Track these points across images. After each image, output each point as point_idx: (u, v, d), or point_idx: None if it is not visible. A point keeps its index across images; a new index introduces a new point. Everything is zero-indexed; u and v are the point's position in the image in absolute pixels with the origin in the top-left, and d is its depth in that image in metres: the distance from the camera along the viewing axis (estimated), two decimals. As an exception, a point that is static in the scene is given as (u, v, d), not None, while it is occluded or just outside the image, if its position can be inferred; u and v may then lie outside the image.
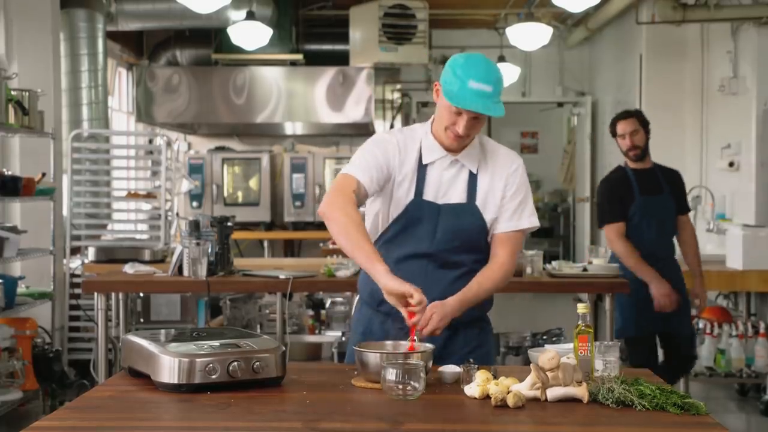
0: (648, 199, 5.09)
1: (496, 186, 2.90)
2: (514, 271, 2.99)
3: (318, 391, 2.49)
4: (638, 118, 5.16)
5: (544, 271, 5.14)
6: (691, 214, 8.27)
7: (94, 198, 6.95)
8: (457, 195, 2.88)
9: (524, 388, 2.33)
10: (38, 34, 6.53)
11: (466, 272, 2.90)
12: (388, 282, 2.64)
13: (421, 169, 2.88)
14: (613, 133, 5.21)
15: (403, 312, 2.67)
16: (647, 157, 5.22)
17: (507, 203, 2.91)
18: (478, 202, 2.88)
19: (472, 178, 2.89)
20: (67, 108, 7.20)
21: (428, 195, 2.87)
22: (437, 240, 2.87)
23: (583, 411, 2.26)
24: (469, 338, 2.97)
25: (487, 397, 2.34)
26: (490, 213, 2.89)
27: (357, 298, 3.09)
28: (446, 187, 2.88)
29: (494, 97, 2.75)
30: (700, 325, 6.03)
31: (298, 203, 9.84)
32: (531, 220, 2.95)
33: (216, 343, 2.53)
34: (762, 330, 5.85)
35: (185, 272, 4.99)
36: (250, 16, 8.02)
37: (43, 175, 5.82)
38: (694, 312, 5.49)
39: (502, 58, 10.40)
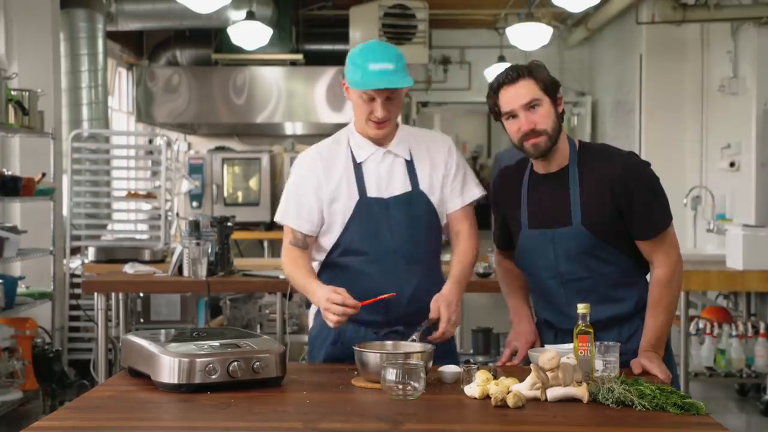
0: None
1: (434, 170, 2.93)
2: (477, 241, 3.04)
3: (318, 391, 2.49)
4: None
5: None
6: (691, 214, 8.36)
7: (94, 198, 6.95)
8: (400, 185, 2.90)
9: (524, 388, 2.33)
10: (38, 34, 6.53)
11: (430, 261, 2.94)
12: (320, 291, 2.74)
13: (357, 168, 2.89)
14: None
15: (351, 308, 2.68)
16: None
17: (452, 183, 2.95)
18: (423, 187, 2.90)
19: (410, 166, 2.91)
20: (67, 108, 7.20)
21: (372, 191, 2.88)
22: (395, 233, 2.87)
23: (583, 411, 2.26)
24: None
25: (487, 397, 2.34)
26: (436, 195, 2.92)
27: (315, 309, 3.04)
28: (387, 179, 2.89)
29: (398, 72, 2.79)
30: (700, 325, 6.03)
31: (298, 203, 9.83)
32: (477, 190, 3.00)
33: (216, 343, 2.53)
34: (762, 330, 5.84)
35: (185, 272, 4.98)
36: (250, 16, 8.02)
37: (43, 175, 5.82)
38: None
39: (502, 58, 10.40)
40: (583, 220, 2.73)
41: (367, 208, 2.86)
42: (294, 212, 2.93)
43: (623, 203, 2.71)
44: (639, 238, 2.75)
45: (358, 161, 2.90)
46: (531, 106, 2.70)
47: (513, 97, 2.72)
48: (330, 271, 2.94)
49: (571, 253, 2.76)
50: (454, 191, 2.96)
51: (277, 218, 2.99)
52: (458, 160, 2.99)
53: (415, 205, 2.89)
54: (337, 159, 2.92)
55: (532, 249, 2.83)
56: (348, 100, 2.89)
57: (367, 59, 2.78)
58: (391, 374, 2.37)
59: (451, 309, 2.79)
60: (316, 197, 2.89)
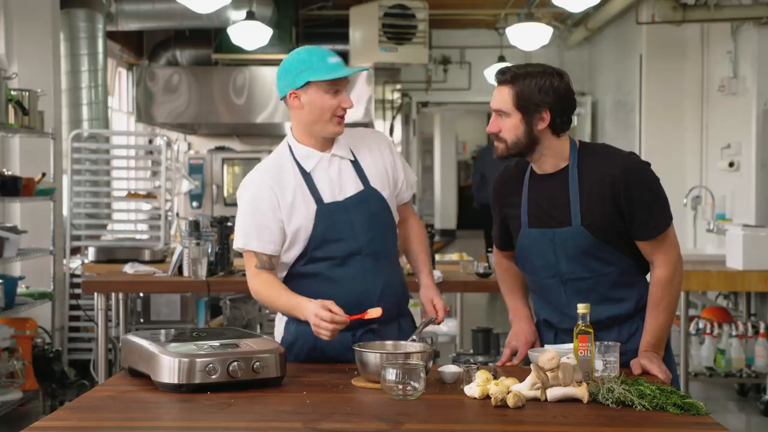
0: None
1: (380, 165, 2.96)
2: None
3: (318, 391, 2.49)
4: None
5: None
6: (691, 214, 8.37)
7: (94, 198, 6.95)
8: (352, 186, 2.90)
9: (524, 388, 2.33)
10: (38, 34, 6.53)
11: (392, 255, 2.99)
12: (309, 307, 2.73)
13: (307, 178, 2.88)
14: None
15: (341, 319, 2.68)
16: None
17: (399, 176, 3.00)
18: (375, 185, 2.92)
19: (356, 165, 2.93)
20: (67, 108, 7.20)
21: (327, 197, 2.87)
22: (357, 234, 2.87)
23: (583, 411, 2.26)
24: (387, 334, 2.92)
25: (487, 397, 2.34)
26: (387, 191, 2.95)
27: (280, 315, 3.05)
28: (338, 183, 2.90)
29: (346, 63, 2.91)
30: (700, 325, 6.03)
31: (298, 203, 9.84)
32: (413, 176, 3.10)
33: (216, 343, 2.53)
34: (762, 330, 5.84)
35: (185, 272, 4.98)
36: (250, 16, 8.02)
37: (43, 175, 5.82)
38: None
39: (502, 58, 10.41)
40: (583, 221, 2.73)
41: (327, 214, 2.86)
42: (255, 235, 2.87)
43: (623, 204, 2.71)
44: (639, 238, 2.75)
45: (307, 170, 2.89)
46: (499, 113, 2.74)
47: (494, 96, 2.76)
48: (296, 281, 2.91)
49: (571, 253, 2.76)
50: (401, 185, 3.02)
51: (237, 245, 2.93)
52: (395, 153, 3.06)
53: (370, 202, 2.91)
54: (285, 173, 2.90)
55: (532, 249, 2.83)
56: (295, 109, 2.86)
57: (321, 57, 2.85)
58: (391, 374, 2.37)
59: (441, 298, 2.96)
60: (275, 216, 2.86)
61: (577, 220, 2.73)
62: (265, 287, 2.89)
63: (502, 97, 2.72)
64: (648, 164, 2.79)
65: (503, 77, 2.72)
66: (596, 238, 2.73)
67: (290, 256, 2.91)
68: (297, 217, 2.86)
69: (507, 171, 2.95)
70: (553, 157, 2.77)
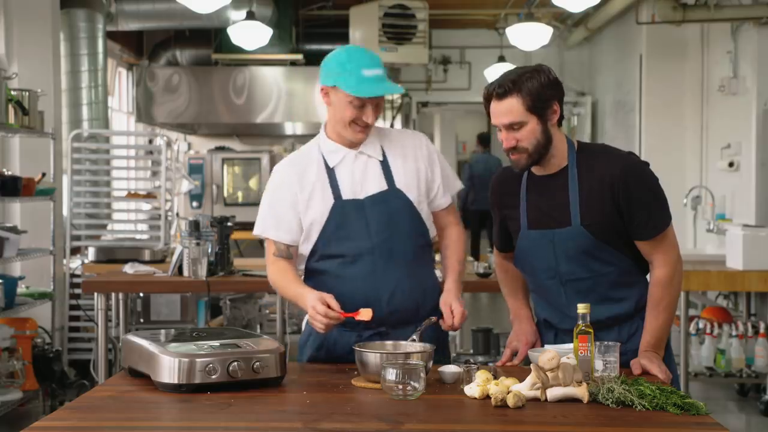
0: None
1: (411, 167, 2.92)
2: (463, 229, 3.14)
3: (318, 391, 2.49)
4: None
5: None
6: (691, 214, 8.36)
7: (94, 198, 6.95)
8: (375, 185, 2.89)
9: (524, 388, 2.33)
10: (38, 34, 6.53)
11: (413, 259, 2.91)
12: (308, 297, 2.74)
13: (330, 173, 2.89)
14: None
15: (335, 314, 2.69)
16: None
17: (435, 181, 2.96)
18: (400, 186, 2.89)
19: (384, 165, 2.90)
20: (67, 108, 7.20)
21: (347, 194, 2.87)
22: (373, 233, 2.86)
23: (583, 411, 2.26)
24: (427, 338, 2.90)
25: (487, 397, 2.34)
26: (413, 193, 2.91)
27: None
28: (361, 181, 2.88)
29: (386, 78, 2.83)
30: (700, 325, 6.03)
31: (298, 203, 9.84)
32: (457, 183, 3.06)
33: (216, 343, 2.53)
34: (762, 330, 5.84)
35: (185, 272, 4.98)
36: (250, 16, 8.02)
37: (43, 175, 5.82)
38: None
39: (502, 58, 10.41)
40: (583, 221, 2.72)
41: (341, 210, 2.86)
42: (272, 224, 2.92)
43: (622, 204, 2.70)
44: (638, 238, 2.75)
45: (331, 166, 2.90)
46: (512, 126, 2.68)
47: (498, 113, 2.69)
48: (311, 278, 2.94)
49: (571, 253, 2.75)
50: (438, 190, 2.98)
51: (256, 232, 2.98)
52: (438, 157, 3.00)
53: (391, 203, 2.88)
54: (309, 167, 2.91)
55: (531, 250, 2.82)
56: (325, 103, 2.87)
57: (360, 65, 2.79)
58: (391, 374, 2.37)
59: (460, 303, 2.86)
60: (293, 207, 2.89)
61: (577, 220, 2.73)
62: (279, 275, 2.91)
63: (512, 109, 2.66)
64: (647, 164, 2.79)
65: (503, 89, 2.67)
66: (596, 238, 2.73)
67: (305, 249, 2.92)
68: (312, 211, 2.87)
69: (506, 172, 2.93)
70: (556, 156, 2.76)
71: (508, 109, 2.67)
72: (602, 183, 2.71)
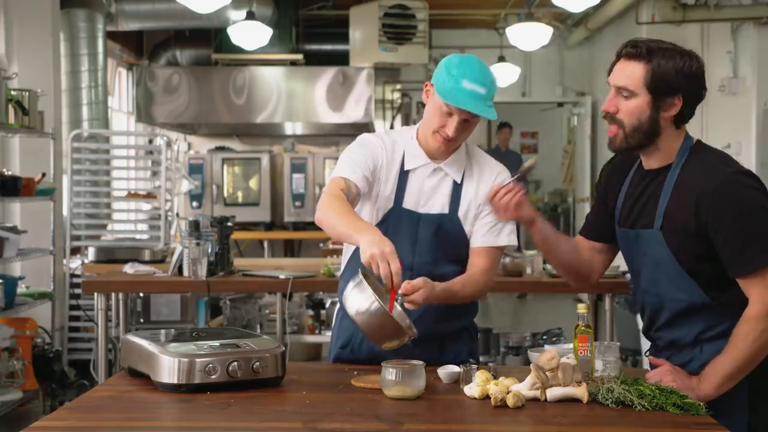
0: None
1: (478, 196, 2.80)
2: (492, 285, 2.89)
3: (318, 391, 2.49)
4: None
5: (544, 271, 5.14)
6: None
7: (94, 198, 6.96)
8: (438, 205, 2.79)
9: (524, 388, 2.33)
10: (38, 34, 6.53)
11: None
12: (368, 233, 2.43)
13: (403, 175, 2.79)
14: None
15: (379, 272, 2.38)
16: None
17: (487, 216, 2.80)
18: (461, 213, 2.79)
19: (456, 188, 2.80)
20: (67, 108, 7.20)
21: (408, 203, 2.78)
22: (417, 251, 2.77)
23: (582, 411, 2.26)
24: (459, 350, 2.89)
25: (487, 397, 2.34)
26: (470, 223, 2.80)
27: (338, 306, 2.92)
28: (427, 195, 2.79)
29: (487, 99, 2.68)
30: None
31: (298, 203, 9.85)
32: (510, 238, 2.83)
33: (216, 343, 2.53)
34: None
35: (185, 272, 4.99)
36: (250, 16, 8.02)
37: (43, 175, 5.82)
38: None
39: (502, 58, 10.41)
40: (663, 226, 2.44)
41: (396, 219, 2.77)
42: (348, 167, 2.72)
43: (711, 227, 2.37)
44: (730, 272, 2.40)
45: (406, 169, 2.79)
46: (621, 92, 2.44)
47: (617, 72, 2.45)
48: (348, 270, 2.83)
49: (647, 260, 2.51)
50: (484, 226, 2.80)
51: (332, 174, 2.75)
52: None
53: (445, 228, 2.77)
54: (395, 156, 2.80)
55: (623, 249, 2.62)
56: (424, 102, 2.78)
57: (464, 75, 2.66)
58: (390, 374, 2.37)
59: (424, 301, 2.52)
60: (375, 164, 2.75)
61: (659, 223, 2.45)
62: (338, 203, 2.57)
63: (632, 73, 2.40)
64: (755, 187, 2.40)
65: (635, 50, 2.40)
66: (673, 254, 2.44)
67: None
68: (381, 197, 2.76)
69: (619, 160, 2.66)
70: (663, 151, 2.48)
71: (627, 73, 2.42)
72: (692, 195, 2.39)
